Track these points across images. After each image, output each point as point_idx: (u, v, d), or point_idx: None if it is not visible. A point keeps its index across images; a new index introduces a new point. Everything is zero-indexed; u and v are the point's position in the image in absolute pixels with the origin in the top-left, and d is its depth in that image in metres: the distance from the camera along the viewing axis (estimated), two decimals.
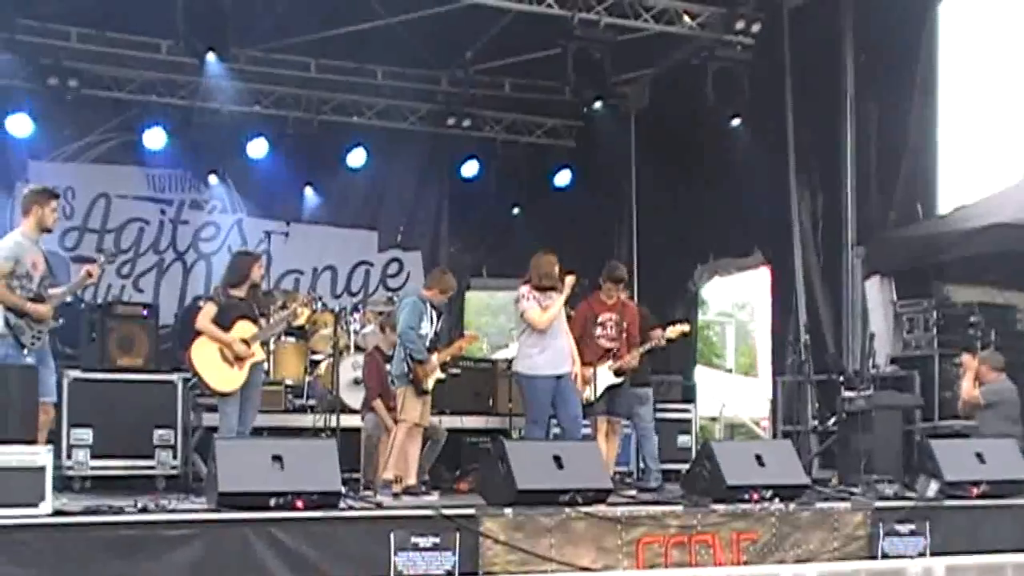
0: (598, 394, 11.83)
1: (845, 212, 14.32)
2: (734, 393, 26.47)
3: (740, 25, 14.47)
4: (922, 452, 11.50)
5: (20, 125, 15.55)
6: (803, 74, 14.79)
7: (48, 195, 9.96)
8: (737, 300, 36.72)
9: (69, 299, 10.37)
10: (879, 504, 10.57)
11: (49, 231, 10.03)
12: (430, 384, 11.24)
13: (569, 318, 11.72)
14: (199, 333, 10.91)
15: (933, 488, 10.85)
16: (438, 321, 11.81)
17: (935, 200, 14.17)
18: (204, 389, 11.26)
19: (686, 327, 12.52)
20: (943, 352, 13.21)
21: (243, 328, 10.92)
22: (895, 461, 12.15)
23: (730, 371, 34.40)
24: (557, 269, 11.36)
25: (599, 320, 12.02)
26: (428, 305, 11.35)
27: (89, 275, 10.05)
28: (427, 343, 11.22)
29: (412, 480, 11.17)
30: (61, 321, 10.15)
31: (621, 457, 13.00)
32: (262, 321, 11.14)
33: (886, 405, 12.55)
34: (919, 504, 10.69)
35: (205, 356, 10.83)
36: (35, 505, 8.17)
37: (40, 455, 8.36)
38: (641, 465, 13.00)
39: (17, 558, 7.84)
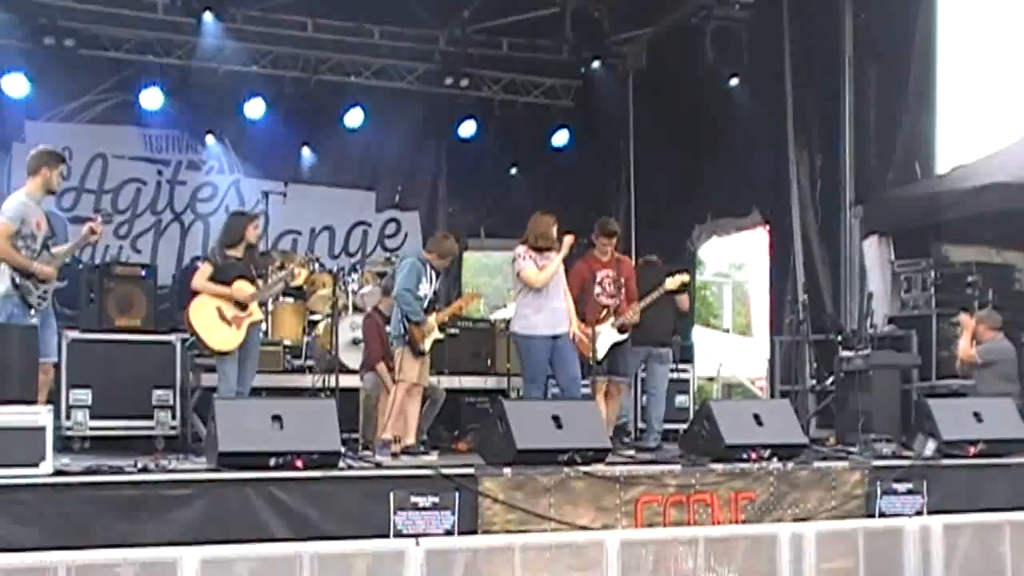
0: (602, 354, 11.85)
1: (843, 172, 14.32)
2: (731, 353, 26.51)
3: None
4: (920, 411, 11.53)
5: (16, 85, 15.48)
6: (802, 34, 14.75)
7: (57, 158, 9.99)
8: (734, 260, 36.74)
9: (68, 259, 10.35)
10: (877, 463, 10.58)
11: (53, 193, 10.09)
12: (427, 345, 11.25)
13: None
14: (196, 293, 10.93)
15: (930, 447, 10.88)
16: (437, 281, 11.82)
17: (933, 160, 14.16)
18: (202, 348, 11.27)
19: (685, 277, 12.46)
20: (941, 312, 13.22)
21: (242, 287, 10.94)
22: (893, 420, 12.19)
23: (727, 331, 34.46)
24: (555, 229, 11.35)
25: (597, 278, 12.01)
26: (428, 266, 11.35)
27: (92, 232, 10.07)
28: (425, 304, 11.23)
29: (411, 440, 11.20)
30: (65, 282, 10.16)
31: (621, 413, 12.99)
32: (259, 282, 11.16)
33: (884, 364, 12.57)
34: (916, 463, 10.70)
35: (203, 315, 10.85)
36: (36, 465, 8.16)
37: (40, 415, 8.35)
38: (641, 425, 13.00)
39: (18, 518, 7.83)
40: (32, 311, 9.53)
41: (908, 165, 13.99)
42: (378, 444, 11.06)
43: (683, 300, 12.69)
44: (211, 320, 10.84)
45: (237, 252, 11.09)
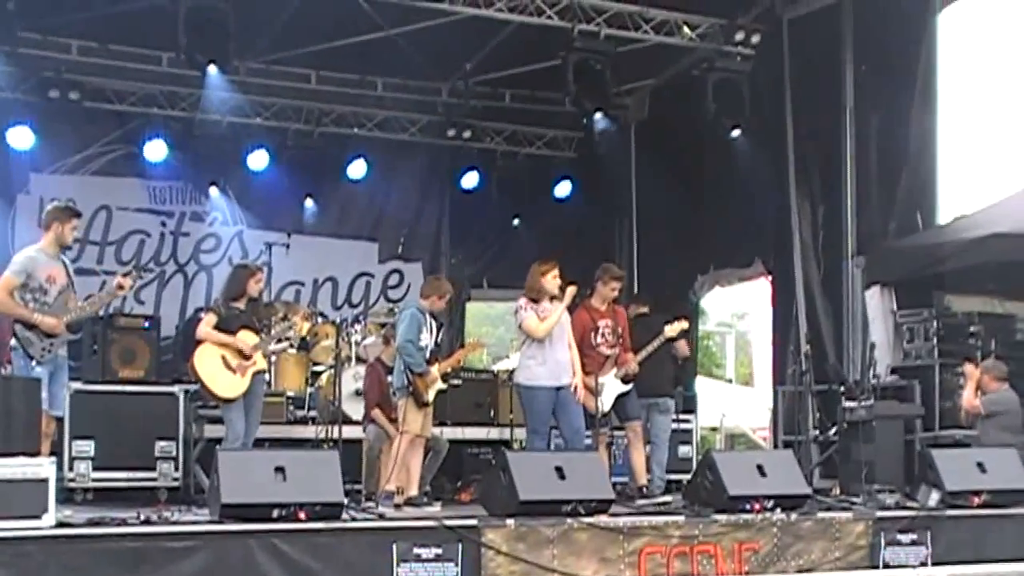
0: (608, 405, 11.86)
1: (845, 222, 14.33)
2: (734, 403, 26.46)
3: (740, 36, 14.59)
4: (923, 462, 11.49)
5: (22, 137, 15.55)
6: (803, 85, 14.81)
7: (69, 213, 10.16)
8: (736, 310, 36.70)
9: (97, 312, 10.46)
10: (880, 514, 10.57)
11: (67, 247, 10.16)
12: (431, 396, 11.27)
13: None
14: (200, 342, 10.97)
15: (934, 498, 10.87)
16: (439, 332, 11.84)
17: (935, 210, 14.18)
18: (208, 396, 11.31)
19: (684, 324, 12.46)
20: (944, 362, 13.20)
21: (245, 337, 10.99)
22: (896, 471, 12.17)
23: (730, 381, 34.39)
24: (555, 278, 11.35)
25: (598, 328, 12.03)
26: (427, 315, 11.39)
27: (120, 288, 10.17)
28: (427, 354, 11.26)
29: (414, 491, 11.21)
30: (79, 335, 10.22)
31: (621, 469, 12.97)
32: (262, 333, 11.21)
33: (887, 415, 12.56)
34: (920, 514, 10.69)
35: (208, 363, 10.90)
36: (38, 517, 8.17)
37: (43, 467, 8.37)
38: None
39: (21, 570, 7.82)
40: (34, 363, 9.58)
41: (910, 215, 14.01)
42: (381, 495, 11.05)
43: (682, 346, 12.69)
44: (216, 368, 10.89)
45: (240, 304, 11.17)
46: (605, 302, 12.14)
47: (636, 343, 12.18)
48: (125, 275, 10.38)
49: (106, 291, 10.26)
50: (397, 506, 10.90)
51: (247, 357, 10.97)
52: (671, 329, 12.27)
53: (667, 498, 11.75)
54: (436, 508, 11.00)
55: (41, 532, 8.08)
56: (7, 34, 13.41)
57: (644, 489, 12.00)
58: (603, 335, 12.01)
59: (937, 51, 14.06)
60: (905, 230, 14.05)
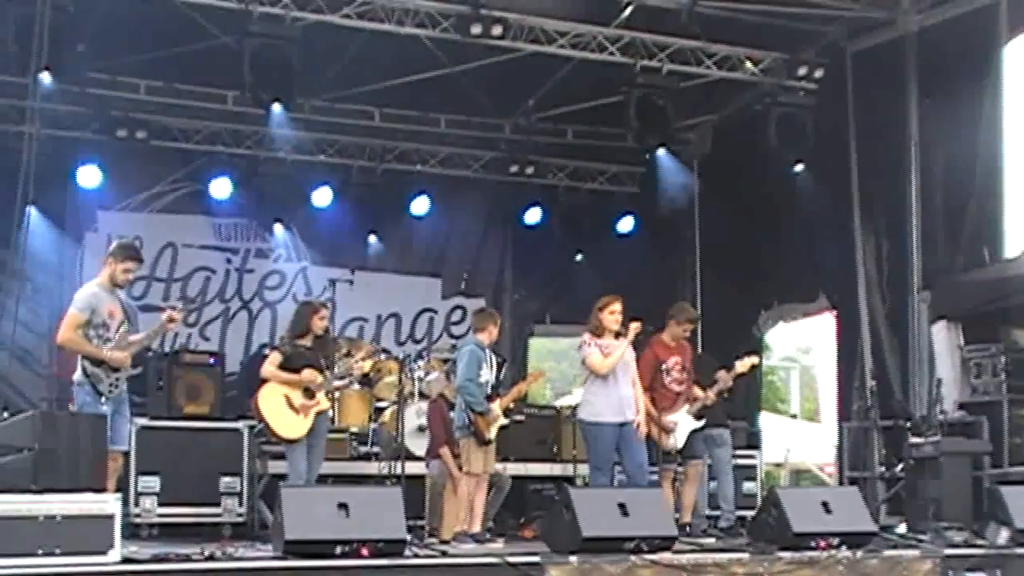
0: (682, 442, 11.85)
1: (911, 257, 14.22)
2: (799, 439, 26.27)
3: (803, 71, 14.55)
4: (992, 499, 11.38)
5: (90, 176, 15.71)
6: (867, 118, 14.72)
7: (124, 252, 10.13)
8: (801, 345, 36.45)
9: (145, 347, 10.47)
10: (948, 552, 10.46)
11: (120, 286, 10.12)
12: (493, 433, 11.26)
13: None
14: (264, 381, 11.02)
15: (1004, 535, 10.75)
16: (500, 368, 11.85)
17: (1002, 244, 14.03)
18: (270, 436, 11.34)
19: (755, 359, 12.49)
20: (1012, 398, 13.04)
21: (309, 376, 11.04)
22: (964, 508, 12.00)
23: (794, 416, 34.12)
24: (618, 314, 11.35)
25: (667, 364, 12.04)
26: (487, 352, 11.40)
27: (172, 321, 10.20)
28: (487, 390, 11.26)
29: (477, 528, 11.19)
30: (139, 369, 10.28)
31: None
32: (327, 372, 11.24)
33: (954, 451, 12.40)
34: (990, 552, 10.59)
35: (271, 403, 10.95)
36: (104, 553, 8.24)
37: (109, 503, 8.44)
38: (715, 513, 12.90)
39: None
40: (103, 399, 9.64)
41: (977, 249, 13.88)
42: (455, 537, 11.04)
43: (724, 378, 12.63)
44: (279, 408, 10.93)
45: (306, 341, 11.22)
46: (675, 340, 12.16)
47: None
48: (175, 309, 10.41)
49: (158, 325, 10.27)
50: (473, 538, 10.92)
51: (311, 396, 11.01)
52: (742, 365, 12.30)
53: (709, 540, 11.65)
54: (499, 545, 10.97)
55: (107, 568, 8.15)
56: (76, 74, 13.59)
57: (688, 528, 11.92)
58: (673, 372, 12.03)
59: (1003, 82, 13.94)
60: (972, 264, 13.92)
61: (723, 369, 12.61)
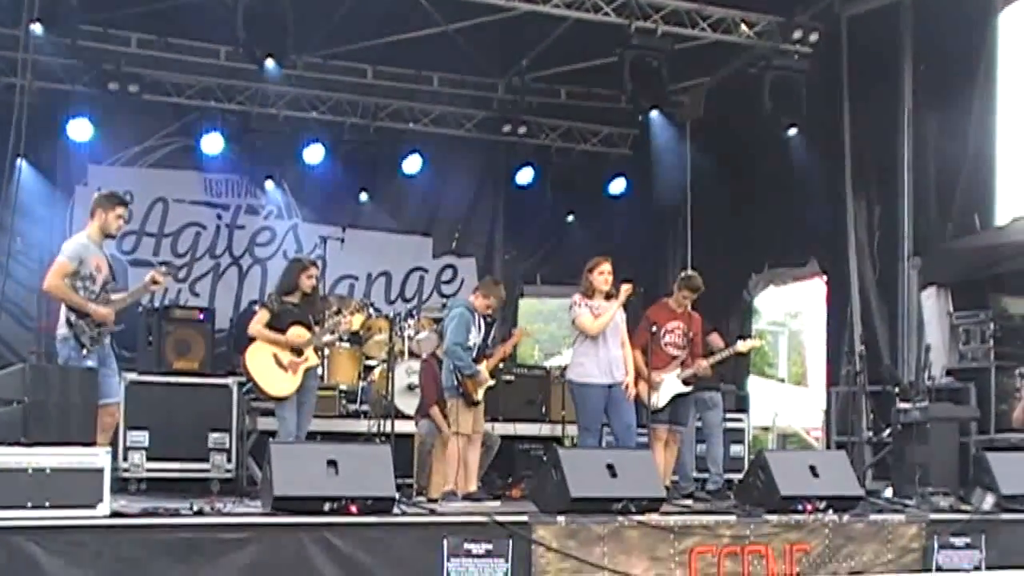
0: (664, 402, 11.89)
1: (902, 223, 14.23)
2: (786, 403, 26.37)
3: (798, 34, 14.52)
4: (978, 465, 11.41)
5: (81, 130, 15.68)
6: (861, 84, 14.71)
7: (114, 201, 10.05)
8: (789, 309, 36.54)
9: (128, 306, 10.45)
10: (934, 516, 10.50)
11: (112, 237, 10.11)
12: (480, 395, 11.30)
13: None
14: (253, 339, 11.01)
15: (989, 501, 10.79)
16: (489, 329, 11.86)
17: (993, 211, 14.05)
18: (259, 394, 11.33)
19: (758, 342, 12.58)
20: (1000, 364, 13.09)
21: (297, 333, 11.02)
22: (950, 474, 12.07)
23: (782, 381, 34.26)
24: (607, 275, 11.35)
25: (668, 327, 12.07)
26: (476, 315, 11.40)
27: (154, 282, 10.17)
28: (475, 353, 11.27)
29: (472, 487, 11.24)
30: (122, 326, 10.25)
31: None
32: (316, 328, 11.23)
33: (942, 417, 12.46)
34: (975, 517, 10.62)
35: (259, 362, 10.94)
36: (93, 507, 8.24)
37: (99, 456, 8.43)
38: (702, 475, 12.94)
39: (75, 559, 7.90)
40: (85, 351, 9.61)
41: (967, 216, 13.90)
42: (443, 496, 11.08)
43: (716, 340, 12.71)
44: (267, 366, 10.92)
45: (294, 298, 11.20)
46: (680, 306, 12.20)
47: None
48: (159, 271, 10.38)
49: (141, 285, 10.25)
50: (467, 497, 10.99)
51: (299, 353, 11.01)
52: (743, 345, 12.41)
53: (688, 501, 11.70)
54: (496, 504, 11.01)
55: (96, 521, 8.15)
56: (68, 27, 13.53)
57: (669, 489, 11.96)
58: (673, 335, 12.07)
59: (998, 51, 13.94)
60: (962, 231, 13.94)
61: (715, 331, 12.68)
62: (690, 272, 12.66)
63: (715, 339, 12.71)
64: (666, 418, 12.05)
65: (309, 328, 11.15)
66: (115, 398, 10.01)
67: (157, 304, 15.05)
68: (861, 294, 14.74)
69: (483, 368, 11.36)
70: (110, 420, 9.77)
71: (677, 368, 12.08)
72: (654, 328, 11.98)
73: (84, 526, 8.05)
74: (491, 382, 11.55)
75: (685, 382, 12.12)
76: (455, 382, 11.16)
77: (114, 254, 12.69)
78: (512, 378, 14.19)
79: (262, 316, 11.13)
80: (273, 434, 11.39)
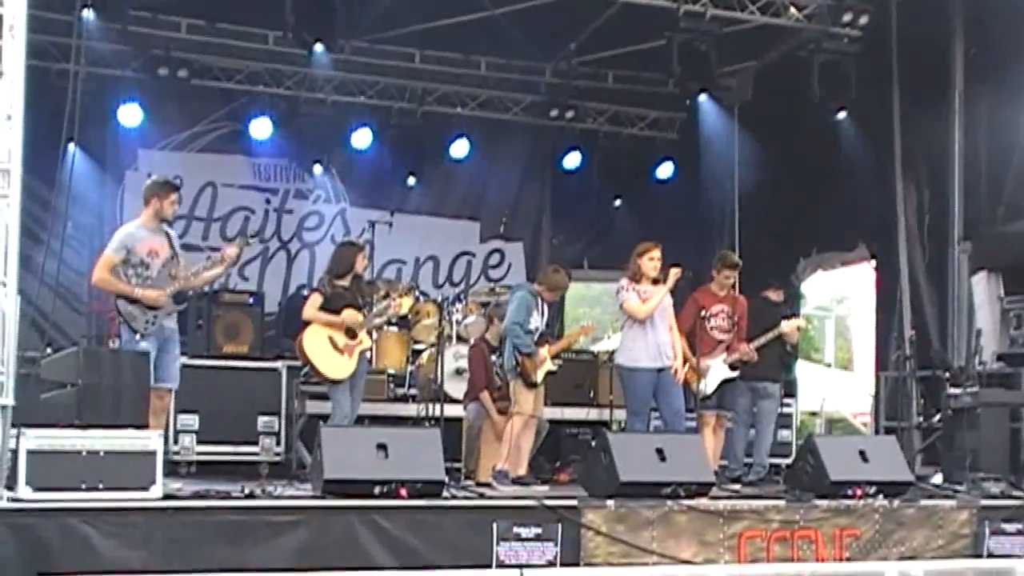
0: (712, 389, 11.88)
1: (952, 207, 14.13)
2: (833, 388, 26.26)
3: (847, 17, 14.39)
4: None
5: (131, 115, 15.81)
6: (911, 67, 14.60)
7: (168, 187, 10.20)
8: (835, 294, 36.37)
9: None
10: (985, 502, 10.45)
11: (167, 221, 10.20)
12: (539, 376, 11.37)
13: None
14: (307, 323, 11.07)
15: None
16: (549, 314, 11.92)
17: None
18: (317, 377, 11.38)
19: (802, 321, 12.54)
20: None
21: (350, 316, 11.08)
22: (1001, 459, 11.98)
23: (829, 366, 34.11)
24: (656, 260, 11.35)
25: (712, 311, 12.06)
26: (539, 299, 11.46)
27: (229, 257, 10.30)
28: (536, 336, 11.33)
29: (523, 471, 11.29)
30: (184, 306, 10.34)
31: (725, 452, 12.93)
32: (366, 311, 11.29)
33: (992, 402, 12.35)
34: None
35: (316, 344, 11.01)
36: (146, 489, 8.34)
37: (151, 440, 8.53)
38: (748, 460, 12.90)
39: (128, 541, 7.99)
40: (138, 336, 9.70)
41: (1019, 200, 13.77)
42: (495, 475, 11.11)
43: (792, 332, 12.64)
44: (324, 349, 10.99)
45: (345, 282, 11.26)
46: (723, 288, 12.18)
47: (752, 328, 12.22)
48: (233, 245, 10.49)
49: (213, 262, 10.35)
50: (513, 482, 11.00)
51: (354, 336, 11.07)
52: (788, 325, 12.33)
53: (736, 486, 11.67)
54: (545, 488, 11.03)
55: (148, 504, 8.24)
56: (118, 13, 13.62)
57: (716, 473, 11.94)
58: (717, 319, 12.06)
59: None
60: (1013, 215, 13.81)
61: (772, 287, 12.72)
62: (724, 251, 12.64)
63: (772, 294, 12.70)
64: (714, 404, 12.06)
65: (360, 311, 11.21)
66: (168, 383, 10.06)
67: (207, 288, 15.14)
68: (911, 279, 14.66)
69: (543, 351, 11.41)
70: (159, 404, 9.83)
71: (723, 353, 12.07)
72: (703, 314, 11.97)
73: (136, 508, 8.16)
74: (551, 366, 11.63)
75: (732, 367, 12.11)
76: (514, 363, 11.21)
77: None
78: (560, 363, 14.18)
79: (315, 300, 11.19)
80: (322, 418, 11.47)
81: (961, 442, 12.06)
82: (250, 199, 17.44)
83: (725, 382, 12.09)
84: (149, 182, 10.38)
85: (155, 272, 9.89)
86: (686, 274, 11.62)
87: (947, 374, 13.19)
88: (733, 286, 12.44)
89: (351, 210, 17.76)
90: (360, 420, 11.73)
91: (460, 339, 13.90)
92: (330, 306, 11.11)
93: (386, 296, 12.17)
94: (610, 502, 9.26)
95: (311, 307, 11.14)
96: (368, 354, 11.72)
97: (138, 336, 9.72)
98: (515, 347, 11.21)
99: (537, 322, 11.42)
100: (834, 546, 9.78)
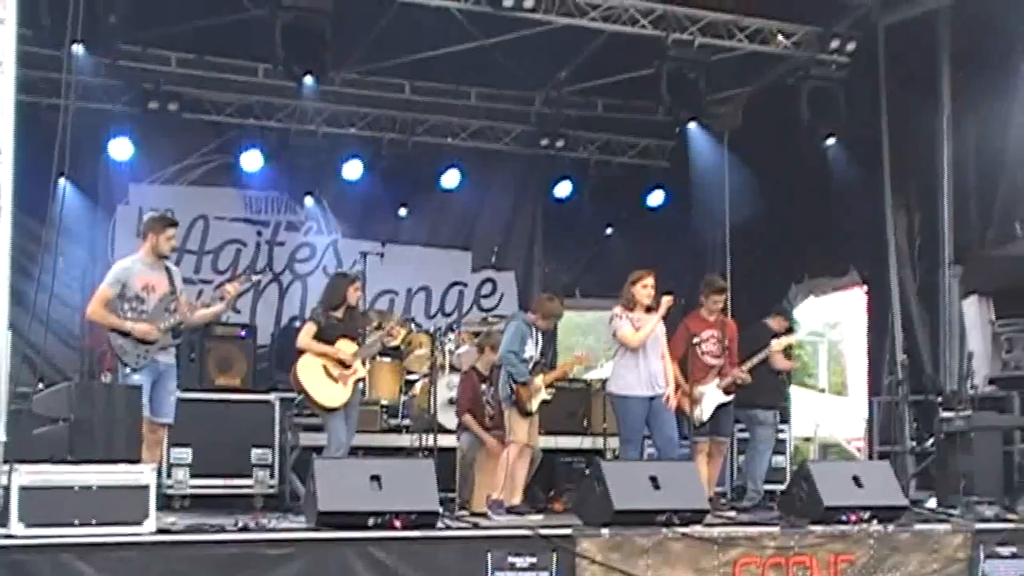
0: (707, 415, 11.89)
1: (942, 231, 14.15)
2: (827, 413, 26.23)
3: (835, 44, 14.45)
4: (1023, 473, 11.35)
5: (121, 149, 15.80)
6: (899, 92, 14.65)
7: (164, 223, 10.29)
8: (828, 319, 36.40)
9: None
10: (979, 526, 10.46)
11: (164, 256, 10.23)
12: (534, 405, 11.36)
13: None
14: (301, 352, 11.08)
15: None
16: (546, 344, 11.93)
17: None
18: (311, 407, 11.39)
19: (792, 339, 12.55)
20: None
21: (344, 346, 11.12)
22: (995, 483, 11.96)
23: (823, 391, 34.10)
24: (650, 288, 11.37)
25: (703, 337, 12.06)
26: (533, 328, 11.48)
27: (228, 297, 10.32)
28: (531, 365, 11.34)
29: (517, 500, 11.28)
30: (179, 340, 10.33)
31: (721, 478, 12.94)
32: (360, 341, 11.31)
33: (985, 426, 12.33)
34: (1021, 526, 10.57)
35: (311, 373, 11.04)
36: (139, 523, 8.32)
37: (145, 474, 8.52)
38: (738, 482, 12.91)
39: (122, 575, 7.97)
40: (128, 370, 9.72)
41: (1008, 224, 13.78)
42: (490, 505, 11.10)
43: (780, 359, 12.67)
44: (319, 378, 11.03)
45: (339, 313, 11.31)
46: (712, 313, 12.21)
47: (744, 350, 12.25)
48: (230, 281, 10.54)
49: (214, 299, 10.41)
50: (511, 511, 11.00)
51: (347, 366, 11.08)
52: (778, 344, 12.33)
53: (731, 513, 11.66)
54: (540, 517, 11.02)
55: (142, 538, 8.22)
56: (108, 47, 13.59)
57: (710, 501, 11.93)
58: (708, 345, 12.06)
59: None
60: (1003, 238, 13.82)
61: (776, 315, 12.78)
62: (711, 276, 12.67)
63: (773, 322, 12.74)
64: (707, 430, 12.07)
65: (354, 341, 11.24)
66: (164, 418, 10.06)
67: None
68: (902, 303, 14.67)
69: (538, 380, 11.40)
70: (153, 438, 9.82)
71: (716, 378, 12.09)
72: (694, 340, 11.99)
73: (131, 543, 8.14)
74: (546, 395, 11.60)
75: (726, 391, 12.13)
76: (509, 391, 11.21)
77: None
78: (553, 391, 14.16)
79: (309, 329, 11.22)
80: (315, 449, 11.46)
81: (955, 466, 12.04)
82: (242, 232, 17.43)
83: (720, 407, 12.10)
84: (146, 217, 10.51)
85: (151, 307, 9.93)
86: (678, 301, 11.65)
87: (940, 398, 13.19)
88: (723, 310, 12.46)
89: (343, 241, 17.75)
90: (353, 451, 11.73)
91: (453, 369, 13.91)
92: (324, 336, 11.16)
93: (379, 327, 12.20)
94: (605, 531, 9.26)
95: (306, 335, 11.18)
96: (362, 384, 11.71)
97: (128, 370, 9.74)
98: (510, 375, 11.20)
99: (532, 351, 11.43)
100: (829, 572, 9.79)
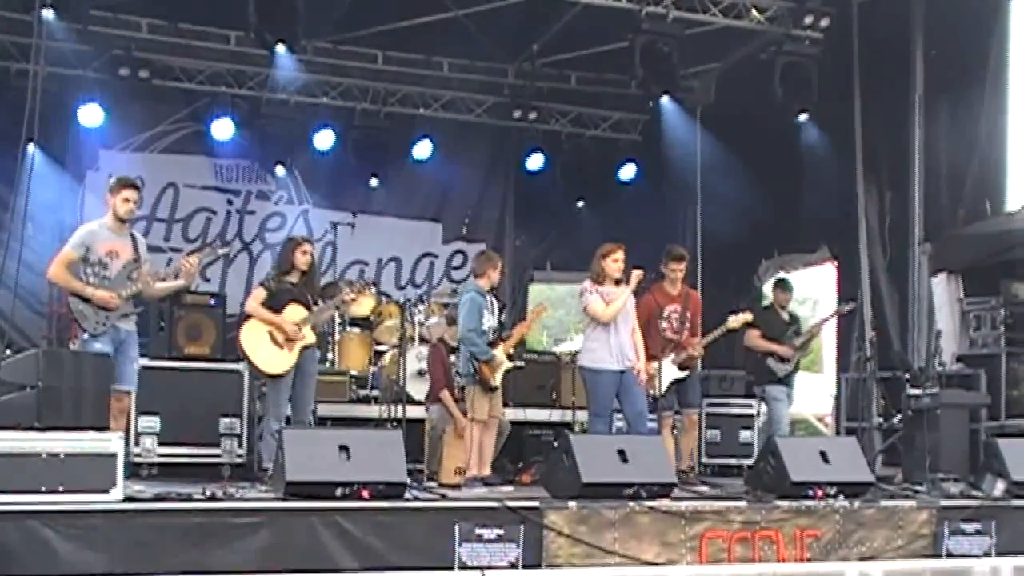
0: (662, 390, 11.88)
1: (913, 209, 14.22)
2: (796, 389, 26.25)
3: (809, 20, 14.46)
4: (988, 451, 11.42)
5: (92, 115, 15.73)
6: (872, 69, 14.69)
7: (120, 185, 10.05)
8: (798, 296, 36.48)
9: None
10: (944, 503, 10.50)
11: (123, 220, 10.04)
12: (498, 379, 11.32)
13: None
14: (249, 316, 11.04)
15: (999, 487, 10.80)
16: (501, 312, 11.86)
17: (1004, 197, 13.99)
18: (254, 372, 11.34)
19: (748, 316, 12.55)
20: (1010, 351, 13.07)
21: (294, 311, 11.05)
22: (961, 460, 12.04)
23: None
24: (620, 262, 11.34)
25: (664, 313, 12.04)
26: (487, 297, 11.40)
27: (188, 271, 10.22)
28: (490, 336, 11.28)
29: (487, 471, 11.27)
30: (140, 308, 10.25)
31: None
32: (314, 307, 11.22)
33: (952, 403, 12.42)
34: (985, 503, 10.63)
35: (254, 338, 10.99)
36: (107, 491, 8.28)
37: (112, 441, 8.46)
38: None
39: (89, 543, 7.95)
40: (86, 335, 9.64)
41: (978, 202, 13.86)
42: (465, 482, 11.11)
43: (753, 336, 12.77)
44: (263, 343, 10.97)
45: (292, 278, 11.21)
46: (675, 285, 12.17)
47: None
48: (194, 252, 10.45)
49: (174, 271, 10.28)
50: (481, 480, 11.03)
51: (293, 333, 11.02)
52: (734, 320, 12.34)
53: (703, 488, 11.69)
54: (508, 489, 11.01)
55: (109, 506, 8.19)
56: (79, 12, 13.54)
57: (683, 475, 11.93)
58: (669, 320, 12.05)
59: (1010, 38, 13.89)
60: (973, 217, 13.91)
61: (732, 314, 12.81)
62: (670, 245, 12.65)
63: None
64: (671, 403, 12.08)
65: (307, 307, 11.15)
66: (126, 386, 9.98)
67: None
68: (871, 280, 14.75)
69: (499, 352, 11.36)
70: (118, 407, 9.74)
71: (672, 354, 12.05)
72: (657, 314, 11.99)
73: (97, 511, 8.10)
74: (508, 365, 11.56)
75: (681, 366, 12.12)
76: (472, 369, 11.17)
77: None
78: (522, 364, 14.17)
79: (258, 295, 11.17)
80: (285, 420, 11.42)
81: (921, 443, 12.09)
82: (212, 200, 17.40)
83: (680, 382, 12.11)
84: (110, 180, 10.31)
85: (113, 273, 9.82)
86: (648, 276, 11.63)
87: (907, 375, 13.24)
88: (688, 282, 12.45)
89: (313, 211, 17.74)
90: (322, 422, 11.71)
91: (423, 340, 13.90)
92: (275, 301, 11.07)
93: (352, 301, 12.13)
94: (572, 503, 9.27)
95: (253, 301, 11.13)
96: (316, 351, 11.60)
97: (86, 335, 9.66)
98: (472, 355, 11.17)
99: (490, 320, 11.34)
100: (795, 546, 9.81)
